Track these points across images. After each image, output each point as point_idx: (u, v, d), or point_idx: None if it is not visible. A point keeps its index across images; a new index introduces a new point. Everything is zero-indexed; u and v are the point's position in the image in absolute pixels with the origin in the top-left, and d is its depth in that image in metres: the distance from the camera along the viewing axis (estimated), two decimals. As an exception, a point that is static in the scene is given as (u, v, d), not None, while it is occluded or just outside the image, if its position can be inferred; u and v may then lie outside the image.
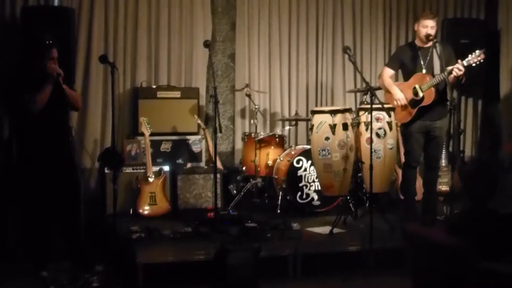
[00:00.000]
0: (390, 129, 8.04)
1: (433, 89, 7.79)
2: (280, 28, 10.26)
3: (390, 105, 8.13)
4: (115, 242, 7.19)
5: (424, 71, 7.91)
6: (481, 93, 10.85)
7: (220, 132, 7.80)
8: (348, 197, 8.49)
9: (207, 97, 9.92)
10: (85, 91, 9.16)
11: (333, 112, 7.97)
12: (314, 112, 8.22)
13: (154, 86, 9.46)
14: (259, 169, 9.18)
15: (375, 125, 7.93)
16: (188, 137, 9.34)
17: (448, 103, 7.77)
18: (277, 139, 9.33)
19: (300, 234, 7.68)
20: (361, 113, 8.16)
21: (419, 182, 8.52)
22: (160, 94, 9.33)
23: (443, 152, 9.31)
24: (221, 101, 9.96)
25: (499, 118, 10.71)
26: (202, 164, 9.36)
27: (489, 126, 10.96)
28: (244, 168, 9.41)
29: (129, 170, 8.80)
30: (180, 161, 9.28)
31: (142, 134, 8.79)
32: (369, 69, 10.59)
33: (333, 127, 7.90)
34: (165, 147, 9.24)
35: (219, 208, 8.62)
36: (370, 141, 7.51)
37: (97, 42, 9.23)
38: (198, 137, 9.35)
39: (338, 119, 7.94)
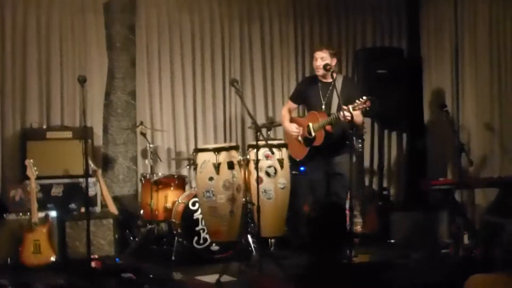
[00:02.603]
0: (282, 167, 7.52)
1: (323, 130, 7.27)
2: (183, 63, 9.73)
3: (282, 142, 7.66)
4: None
5: (323, 107, 7.41)
6: (405, 125, 10.30)
7: (89, 174, 7.13)
8: (250, 240, 7.87)
9: (104, 137, 9.36)
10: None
11: (217, 150, 7.42)
12: (198, 150, 7.68)
13: (44, 127, 8.88)
14: (157, 212, 8.53)
15: (265, 163, 7.47)
16: (81, 180, 8.65)
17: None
18: (176, 180, 8.67)
19: (182, 284, 7.03)
20: (250, 150, 7.61)
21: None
22: (50, 134, 8.75)
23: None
24: (122, 141, 9.57)
25: (424, 153, 10.11)
26: (98, 208, 8.73)
27: (415, 161, 10.36)
28: (142, 212, 8.78)
29: (12, 217, 8.14)
30: (73, 205, 8.63)
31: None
32: (281, 103, 9.98)
33: (217, 166, 7.35)
34: (56, 191, 8.62)
35: (110, 257, 8.07)
36: (257, 180, 6.98)
37: (-19, 81, 8.69)
38: (93, 179, 8.68)
39: (223, 157, 7.41)
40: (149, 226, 8.58)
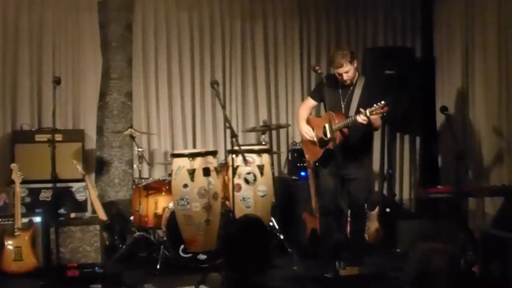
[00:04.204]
0: (262, 174, 7.18)
1: (339, 133, 6.85)
2: (181, 63, 9.38)
3: (263, 147, 7.27)
4: None
5: (342, 108, 7.05)
6: (417, 129, 9.84)
7: (55, 179, 6.82)
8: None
9: (99, 140, 9.11)
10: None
11: (192, 156, 7.08)
12: (173, 156, 7.34)
13: (34, 129, 8.68)
14: (146, 219, 8.22)
15: (244, 169, 7.10)
16: (71, 184, 8.46)
17: None
18: (167, 185, 8.23)
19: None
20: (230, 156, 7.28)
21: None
22: (38, 137, 8.49)
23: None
24: (117, 144, 9.31)
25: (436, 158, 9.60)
26: (88, 213, 8.48)
27: (427, 166, 9.86)
28: (132, 218, 8.46)
29: (-5, 222, 7.94)
30: (62, 211, 8.40)
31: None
32: (285, 104, 9.67)
33: (191, 173, 7.02)
34: (45, 195, 8.39)
35: (91, 265, 7.76)
36: (232, 188, 6.65)
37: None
38: (83, 184, 8.44)
39: (198, 163, 7.09)
40: (137, 233, 8.24)
